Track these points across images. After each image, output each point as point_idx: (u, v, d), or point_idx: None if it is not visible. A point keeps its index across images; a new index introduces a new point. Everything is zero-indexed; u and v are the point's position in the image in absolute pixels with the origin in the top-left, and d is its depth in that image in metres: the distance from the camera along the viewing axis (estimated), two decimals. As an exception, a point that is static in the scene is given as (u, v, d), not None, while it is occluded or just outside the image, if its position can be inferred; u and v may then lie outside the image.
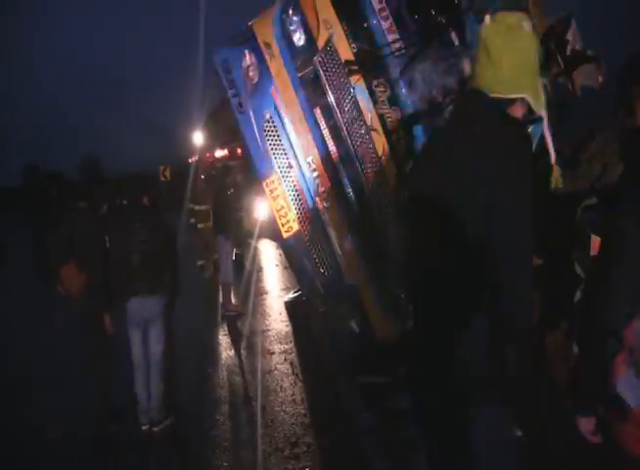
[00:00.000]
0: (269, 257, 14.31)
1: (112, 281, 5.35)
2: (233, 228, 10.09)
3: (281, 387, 5.88)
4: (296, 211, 4.84)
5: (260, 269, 13.08)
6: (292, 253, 5.03)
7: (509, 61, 2.19)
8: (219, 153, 15.11)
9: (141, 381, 5.35)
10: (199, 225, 13.06)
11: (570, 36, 4.99)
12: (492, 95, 2.22)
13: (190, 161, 18.68)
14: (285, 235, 4.90)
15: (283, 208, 4.86)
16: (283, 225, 4.89)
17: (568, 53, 4.90)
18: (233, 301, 9.40)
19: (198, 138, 18.75)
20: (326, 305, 4.95)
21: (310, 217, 4.82)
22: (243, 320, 8.77)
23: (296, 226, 4.85)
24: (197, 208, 13.24)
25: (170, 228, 5.75)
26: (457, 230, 2.08)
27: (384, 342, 4.83)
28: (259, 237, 15.97)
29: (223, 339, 8.00)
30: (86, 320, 5.46)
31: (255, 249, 15.51)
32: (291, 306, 8.13)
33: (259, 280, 11.88)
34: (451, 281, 2.10)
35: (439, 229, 2.14)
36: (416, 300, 2.43)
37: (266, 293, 10.56)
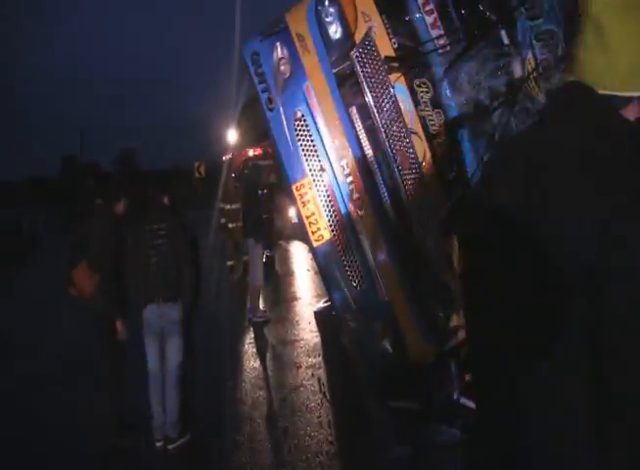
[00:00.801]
0: (301, 260, 13.96)
1: (127, 285, 5.04)
2: (264, 230, 9.76)
3: (307, 407, 5.51)
4: (327, 219, 4.47)
5: (291, 274, 12.74)
6: (322, 263, 4.62)
7: (631, 46, 1.62)
8: (252, 151, 14.81)
9: (157, 394, 5.06)
10: (229, 225, 12.88)
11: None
12: (602, 91, 1.64)
13: (223, 158, 18.47)
14: (315, 244, 4.53)
15: (313, 214, 4.49)
16: (313, 233, 4.52)
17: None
18: (261, 306, 9.08)
19: (231, 135, 18.54)
20: (357, 321, 4.57)
21: (343, 226, 4.45)
22: (270, 327, 8.43)
23: (327, 235, 4.48)
24: (227, 207, 13.07)
25: (192, 230, 5.41)
26: (548, 285, 1.46)
27: (419, 364, 4.48)
28: (291, 239, 15.75)
29: (249, 347, 7.68)
30: (99, 325, 5.16)
31: (287, 251, 15.20)
32: (320, 316, 7.75)
33: (290, 285, 11.55)
34: (532, 359, 1.54)
35: (520, 281, 1.55)
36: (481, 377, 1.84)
37: (296, 299, 10.21)
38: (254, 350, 7.56)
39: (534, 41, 4.42)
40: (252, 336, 8.15)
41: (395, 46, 4.40)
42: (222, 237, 13.63)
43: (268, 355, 7.29)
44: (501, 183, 1.67)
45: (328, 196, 4.47)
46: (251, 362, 7.05)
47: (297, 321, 8.67)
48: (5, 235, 18.41)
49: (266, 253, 11.87)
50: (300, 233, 11.57)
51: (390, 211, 4.39)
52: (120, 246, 5.12)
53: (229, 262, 12.88)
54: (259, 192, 10.30)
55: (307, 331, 8.02)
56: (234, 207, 12.45)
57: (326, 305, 7.75)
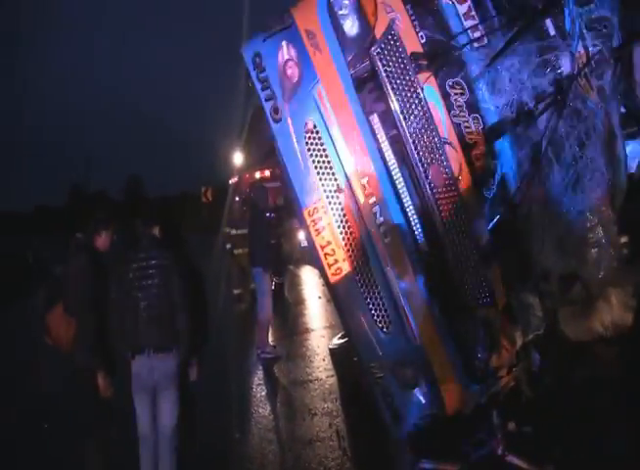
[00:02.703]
0: (311, 287, 13.29)
1: (112, 333, 4.30)
2: (272, 257, 9.09)
3: (325, 467, 4.73)
4: (346, 249, 3.84)
5: (302, 302, 12.08)
6: (341, 301, 4.00)
7: None
8: (259, 173, 14.27)
9: (148, 460, 4.31)
10: (235, 251, 12.35)
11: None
12: None
13: (230, 181, 17.99)
14: (332, 279, 3.89)
15: (330, 243, 3.86)
16: (330, 266, 3.87)
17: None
18: (270, 340, 8.39)
19: (237, 156, 18.03)
20: (385, 370, 3.95)
21: (365, 257, 3.83)
22: (280, 365, 7.73)
23: (346, 268, 3.85)
24: (233, 232, 12.62)
25: (195, 266, 4.69)
26: None
27: (456, 415, 3.97)
28: (300, 263, 15.10)
29: (256, 390, 6.94)
30: (78, 380, 4.43)
31: (296, 277, 14.58)
32: (336, 354, 7.05)
33: (300, 315, 10.87)
34: None
35: None
36: None
37: (308, 331, 9.49)
38: (264, 393, 6.83)
39: (585, 31, 4.02)
40: (261, 376, 7.44)
41: (423, 41, 3.92)
42: (228, 264, 13.00)
43: (279, 400, 6.55)
44: None
45: (347, 221, 3.88)
46: (260, 409, 6.30)
47: (309, 358, 7.93)
48: (8, 266, 17.89)
49: (275, 280, 11.32)
50: (310, 257, 11.04)
51: (422, 238, 3.88)
52: (103, 287, 4.38)
53: (236, 291, 12.30)
54: (267, 215, 9.67)
55: (322, 369, 7.27)
56: (240, 232, 11.99)
57: (342, 340, 7.09)
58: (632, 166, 4.76)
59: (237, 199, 14.02)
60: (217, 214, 18.19)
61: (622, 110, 4.52)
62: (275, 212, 10.58)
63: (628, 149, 4.38)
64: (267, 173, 14.63)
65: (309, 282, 13.96)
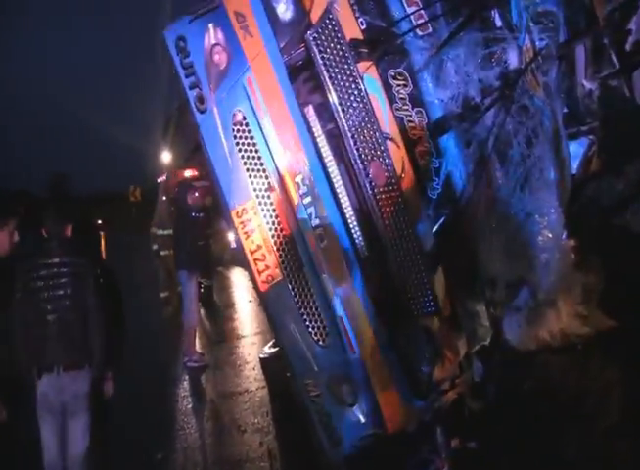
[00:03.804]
0: (241, 290, 12.92)
1: (15, 350, 3.82)
2: (199, 259, 8.68)
3: (256, 494, 4.39)
4: (278, 253, 3.54)
5: (232, 305, 11.72)
6: (273, 311, 3.70)
7: None
8: (187, 172, 13.79)
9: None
10: (161, 252, 11.86)
11: (633, 25, 4.17)
12: None
13: (158, 180, 17.41)
14: (263, 287, 3.58)
15: (260, 248, 3.55)
16: (260, 273, 3.56)
17: (628, 48, 4.18)
18: (197, 348, 8.01)
19: (166, 154, 17.44)
20: (321, 387, 3.67)
21: (300, 262, 3.56)
22: (208, 375, 7.37)
23: (278, 275, 3.55)
24: (160, 232, 12.06)
25: (111, 273, 4.26)
26: None
27: (398, 433, 3.72)
28: (231, 265, 14.68)
29: (181, 404, 6.53)
30: None
31: (226, 279, 14.20)
32: (267, 364, 6.69)
33: (230, 320, 10.49)
34: None
35: None
36: None
37: (237, 338, 9.12)
38: (189, 406, 6.44)
39: (532, 24, 3.91)
40: (187, 387, 7.07)
41: (363, 27, 3.66)
42: (155, 265, 12.49)
43: (205, 415, 6.18)
44: None
45: (279, 223, 3.58)
46: (185, 425, 5.90)
47: (239, 367, 7.57)
48: None
49: (204, 282, 10.97)
50: (241, 259, 10.70)
51: (361, 242, 3.63)
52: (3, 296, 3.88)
53: (163, 294, 11.80)
54: (194, 215, 9.25)
55: (252, 380, 6.93)
56: (166, 232, 11.53)
57: (273, 349, 6.76)
58: (573, 168, 4.68)
59: (164, 198, 13.50)
60: (147, 214, 17.66)
61: (565, 109, 4.41)
62: (204, 212, 10.20)
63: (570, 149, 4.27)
64: (196, 172, 14.20)
65: (240, 285, 13.59)
